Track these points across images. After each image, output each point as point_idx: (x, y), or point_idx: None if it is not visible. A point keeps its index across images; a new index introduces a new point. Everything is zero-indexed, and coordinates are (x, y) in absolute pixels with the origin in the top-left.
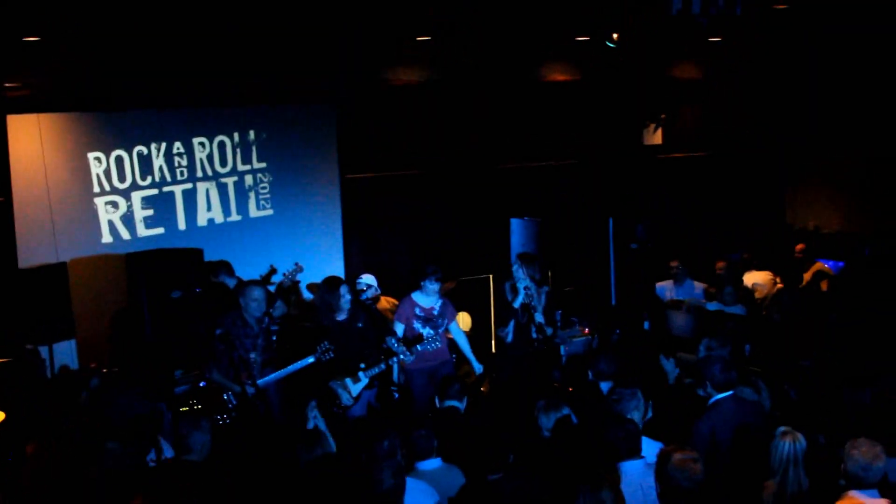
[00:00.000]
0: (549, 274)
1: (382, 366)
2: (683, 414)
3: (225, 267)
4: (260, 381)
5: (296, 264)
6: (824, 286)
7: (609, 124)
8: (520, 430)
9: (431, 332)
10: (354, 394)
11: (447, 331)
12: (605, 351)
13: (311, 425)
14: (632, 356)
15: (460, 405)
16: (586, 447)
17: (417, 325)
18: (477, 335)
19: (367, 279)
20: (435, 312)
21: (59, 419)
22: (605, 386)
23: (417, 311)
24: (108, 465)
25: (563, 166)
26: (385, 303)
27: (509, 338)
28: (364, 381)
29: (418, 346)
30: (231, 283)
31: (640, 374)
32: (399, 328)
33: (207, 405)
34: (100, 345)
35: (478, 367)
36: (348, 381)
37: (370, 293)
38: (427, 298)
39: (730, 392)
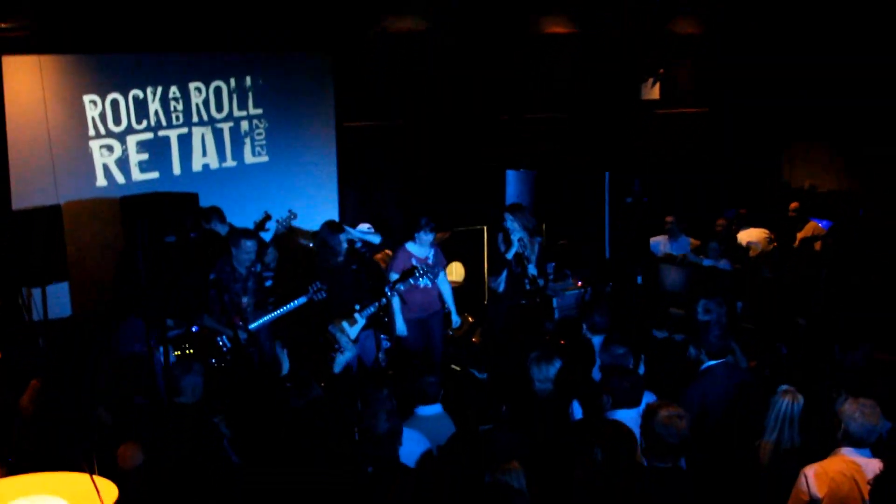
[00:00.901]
0: (543, 226)
1: (377, 304)
2: (674, 370)
3: (217, 213)
4: (252, 325)
5: (289, 211)
6: (817, 246)
7: (607, 78)
8: (512, 382)
9: (428, 282)
10: (353, 336)
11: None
12: (599, 304)
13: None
14: (624, 310)
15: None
16: (582, 399)
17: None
18: (470, 286)
19: (365, 228)
20: (430, 262)
21: (56, 361)
22: (597, 340)
23: (413, 261)
24: (101, 407)
25: (559, 119)
26: (382, 254)
27: (501, 288)
28: (361, 322)
29: (410, 280)
30: (223, 229)
31: (633, 329)
32: (394, 278)
33: (201, 349)
34: (93, 288)
35: (455, 320)
36: (345, 324)
37: (372, 237)
38: (421, 248)
39: (722, 359)
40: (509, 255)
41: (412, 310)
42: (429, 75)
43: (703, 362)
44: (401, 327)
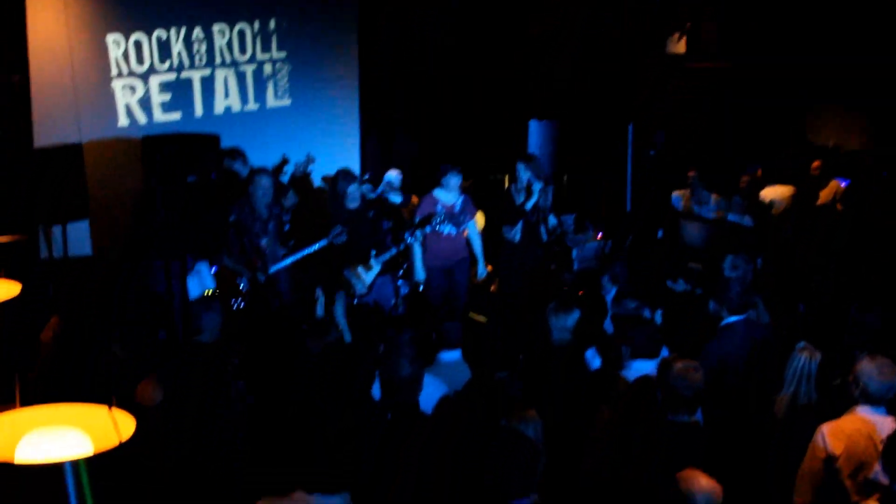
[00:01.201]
0: (565, 177)
1: (394, 250)
2: (692, 324)
3: (240, 155)
4: (272, 268)
5: (307, 155)
6: (839, 206)
7: (633, 30)
8: (529, 332)
9: (453, 230)
10: (367, 282)
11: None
12: (622, 255)
13: (320, 313)
14: (644, 264)
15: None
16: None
17: (445, 224)
18: (490, 235)
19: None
20: (456, 210)
21: (76, 297)
22: (614, 291)
23: (439, 207)
24: (122, 344)
25: (584, 69)
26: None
27: (517, 238)
28: (376, 268)
29: (427, 228)
30: (244, 171)
31: (652, 282)
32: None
33: (221, 289)
34: (114, 227)
35: (482, 270)
36: (361, 269)
37: (394, 195)
38: (448, 195)
39: (743, 315)
40: (528, 206)
41: (436, 257)
42: (452, 21)
43: (723, 318)
44: (420, 273)
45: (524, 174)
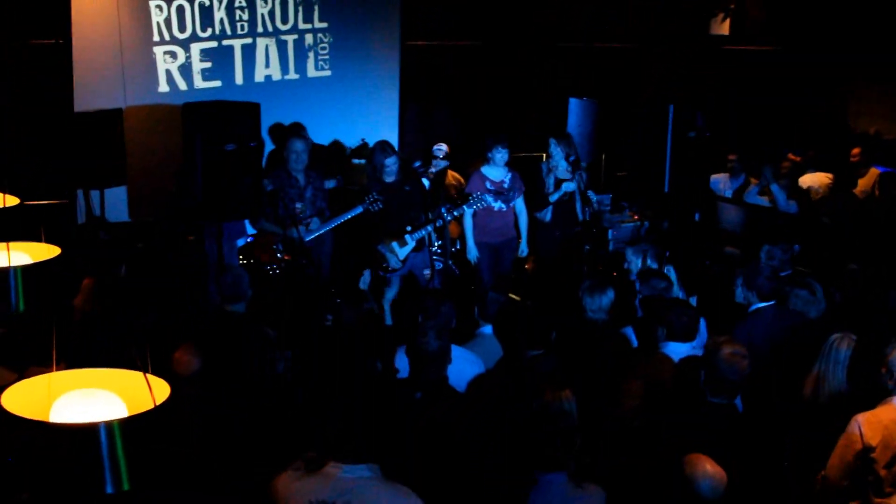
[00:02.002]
0: (603, 157)
1: (430, 227)
2: (727, 308)
3: (301, 128)
4: (307, 237)
5: (362, 140)
6: (878, 193)
7: (675, 9)
8: (563, 310)
9: (504, 206)
10: (401, 257)
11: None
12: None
13: (362, 286)
14: (680, 246)
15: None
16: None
17: (489, 199)
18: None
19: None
20: (505, 186)
21: (113, 264)
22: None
23: (488, 184)
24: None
25: (626, 49)
26: (451, 178)
27: (548, 217)
28: (411, 244)
29: (465, 206)
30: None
31: (688, 265)
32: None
33: (257, 255)
34: (151, 193)
35: (524, 249)
36: (395, 244)
37: (440, 164)
38: (497, 171)
39: (772, 301)
40: (554, 198)
41: (485, 233)
42: None
43: (752, 304)
44: (472, 251)
45: (552, 150)
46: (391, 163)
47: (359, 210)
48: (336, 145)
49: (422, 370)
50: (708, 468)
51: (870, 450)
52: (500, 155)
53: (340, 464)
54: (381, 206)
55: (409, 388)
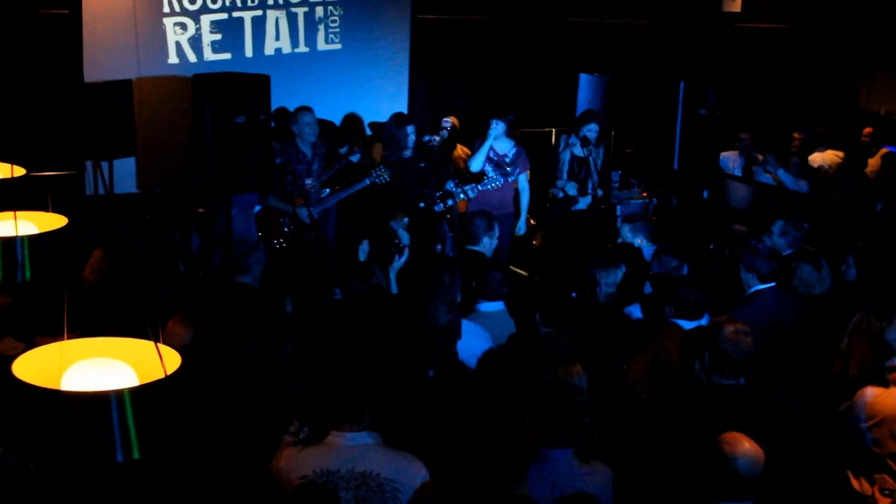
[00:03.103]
0: (612, 133)
1: (441, 206)
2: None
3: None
4: (315, 210)
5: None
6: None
7: None
8: (574, 287)
9: (501, 179)
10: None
11: (516, 182)
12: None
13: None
14: (688, 223)
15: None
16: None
17: (488, 168)
18: (535, 189)
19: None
20: (507, 160)
21: (120, 233)
22: (648, 250)
23: (491, 154)
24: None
25: (637, 25)
26: (459, 151)
27: (561, 193)
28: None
29: (478, 186)
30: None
31: (694, 242)
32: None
33: (264, 230)
34: (159, 165)
35: (521, 227)
36: (407, 220)
37: (444, 134)
38: (501, 143)
39: (772, 283)
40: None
41: (483, 206)
42: None
43: (751, 286)
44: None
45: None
46: (411, 131)
47: (366, 183)
48: (353, 117)
49: (433, 344)
50: (747, 446)
51: (871, 421)
52: (496, 129)
53: (343, 433)
54: (387, 179)
55: (421, 364)
